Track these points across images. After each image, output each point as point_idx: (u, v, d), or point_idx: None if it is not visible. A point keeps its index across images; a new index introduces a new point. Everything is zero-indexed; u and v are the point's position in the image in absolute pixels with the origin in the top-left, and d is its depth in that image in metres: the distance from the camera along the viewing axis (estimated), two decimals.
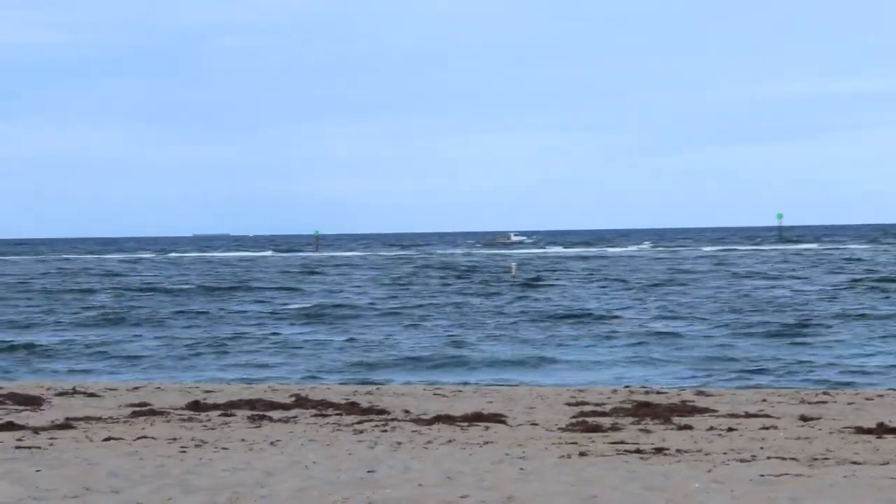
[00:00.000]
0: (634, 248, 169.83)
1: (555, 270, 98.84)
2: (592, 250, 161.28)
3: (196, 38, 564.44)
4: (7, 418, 20.46)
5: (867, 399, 23.89)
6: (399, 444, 17.59)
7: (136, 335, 46.50)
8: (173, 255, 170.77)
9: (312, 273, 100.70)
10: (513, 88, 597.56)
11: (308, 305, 60.70)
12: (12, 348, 41.45)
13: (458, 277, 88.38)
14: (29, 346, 42.14)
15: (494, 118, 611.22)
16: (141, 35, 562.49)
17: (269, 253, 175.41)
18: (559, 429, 19.18)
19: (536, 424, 19.82)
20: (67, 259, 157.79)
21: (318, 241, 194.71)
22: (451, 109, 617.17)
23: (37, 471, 14.06)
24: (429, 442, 17.76)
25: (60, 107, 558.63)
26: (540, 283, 79.35)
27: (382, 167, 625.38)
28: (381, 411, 21.48)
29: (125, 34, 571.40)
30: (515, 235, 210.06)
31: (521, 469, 15.08)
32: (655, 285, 73.56)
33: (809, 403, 22.64)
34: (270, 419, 20.55)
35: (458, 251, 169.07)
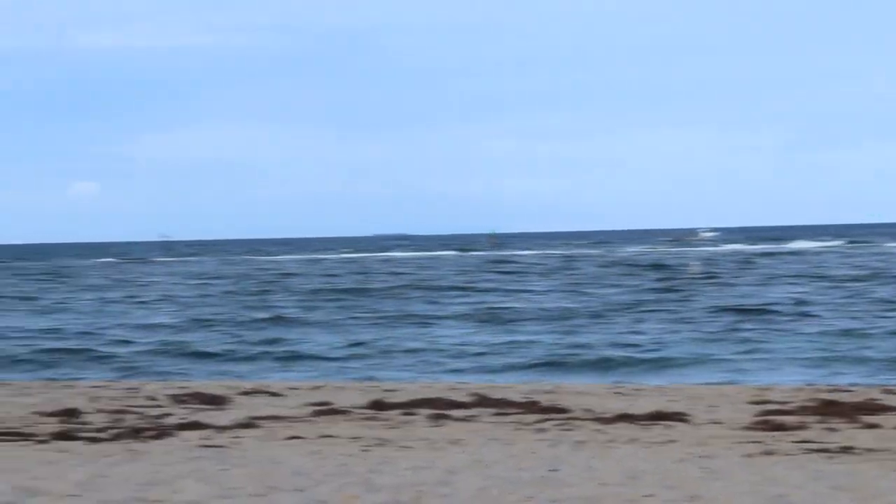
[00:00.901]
0: (818, 244, 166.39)
1: (739, 267, 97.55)
2: (782, 246, 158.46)
3: (361, 39, 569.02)
4: (192, 417, 20.81)
5: None
6: (580, 442, 17.45)
7: (314, 334, 47.02)
8: (353, 255, 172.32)
9: (489, 272, 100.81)
10: (691, 83, 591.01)
11: (484, 305, 60.73)
12: (205, 355, 42.13)
13: (640, 275, 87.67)
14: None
15: (673, 113, 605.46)
16: (310, 37, 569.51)
17: (448, 252, 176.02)
18: (742, 427, 18.86)
19: (719, 423, 19.52)
20: (244, 260, 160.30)
21: (495, 240, 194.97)
22: (627, 105, 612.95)
23: (222, 469, 14.23)
24: (610, 441, 17.59)
25: (233, 109, 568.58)
26: (722, 279, 78.38)
27: (560, 165, 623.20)
28: (562, 410, 21.36)
29: (295, 36, 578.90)
30: (705, 232, 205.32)
31: (705, 468, 14.84)
32: (847, 281, 72.08)
33: None
34: (451, 418, 20.56)
35: (643, 248, 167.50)
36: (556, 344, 41.05)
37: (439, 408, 21.81)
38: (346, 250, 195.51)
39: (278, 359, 39.67)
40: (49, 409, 22.22)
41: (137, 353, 41.44)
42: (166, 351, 42.19)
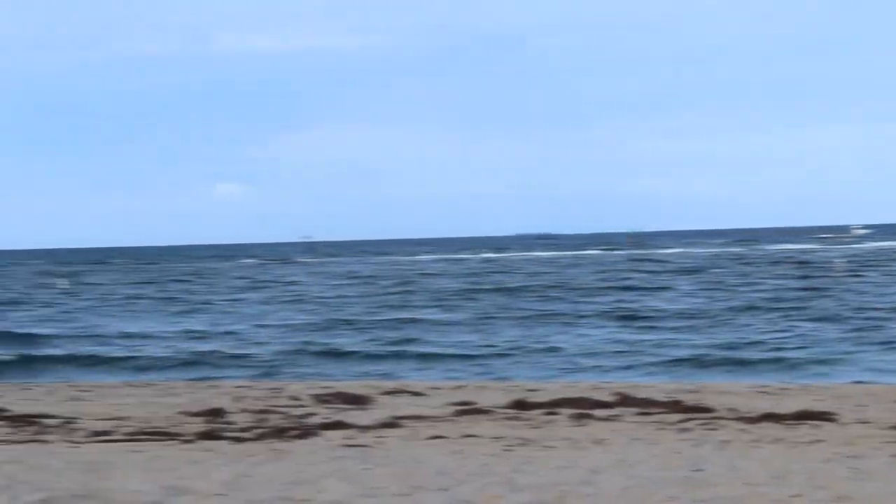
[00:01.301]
0: None
1: (889, 265, 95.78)
2: None
3: (504, 39, 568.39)
4: (335, 417, 20.93)
5: None
6: (725, 442, 17.24)
7: (456, 334, 47.11)
8: (494, 255, 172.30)
9: (631, 271, 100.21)
10: (840, 77, 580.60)
11: (626, 304, 60.40)
12: (345, 354, 42.40)
13: (785, 273, 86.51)
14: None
15: (822, 109, 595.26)
16: (452, 38, 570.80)
17: (590, 252, 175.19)
18: (891, 427, 18.49)
19: (867, 423, 19.16)
20: (383, 260, 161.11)
21: (634, 239, 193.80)
22: (774, 101, 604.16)
23: (365, 469, 14.28)
24: (755, 440, 17.35)
25: (372, 110, 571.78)
26: (869, 277, 77.08)
27: (705, 162, 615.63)
28: (706, 409, 21.13)
29: (436, 37, 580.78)
30: (857, 229, 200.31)
31: (854, 468, 14.56)
32: None
33: None
34: (594, 418, 20.45)
35: (790, 246, 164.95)
36: (698, 343, 40.68)
37: (582, 407, 21.70)
38: (486, 250, 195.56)
39: (419, 358, 39.79)
40: (194, 409, 22.51)
41: (278, 352, 41.83)
42: (307, 351, 42.55)
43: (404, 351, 41.55)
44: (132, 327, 54.05)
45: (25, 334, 50.94)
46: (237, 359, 40.73)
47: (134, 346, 45.77)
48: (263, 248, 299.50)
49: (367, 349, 42.53)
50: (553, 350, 40.42)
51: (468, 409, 21.93)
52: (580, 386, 27.21)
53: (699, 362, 36.00)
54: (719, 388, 25.96)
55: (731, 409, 21.05)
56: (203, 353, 42.54)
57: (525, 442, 17.59)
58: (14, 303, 76.32)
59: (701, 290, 70.88)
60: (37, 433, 19.21)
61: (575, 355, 39.07)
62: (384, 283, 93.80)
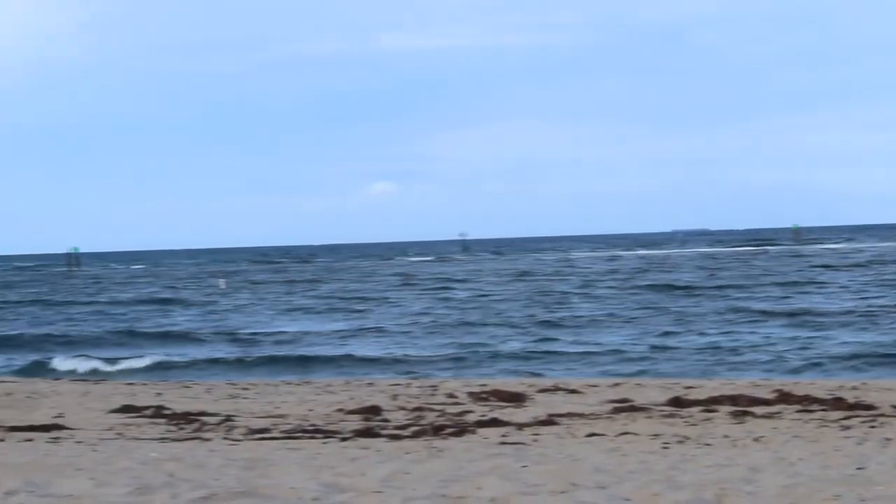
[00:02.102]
0: None
1: None
2: None
3: (670, 33, 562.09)
4: (492, 415, 20.94)
5: None
6: (889, 440, 16.87)
7: (612, 331, 46.91)
8: (651, 251, 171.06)
9: (793, 266, 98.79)
10: None
11: (788, 300, 59.63)
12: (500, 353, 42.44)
13: None
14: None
15: None
16: (616, 33, 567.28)
17: (748, 248, 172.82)
18: None
19: None
20: (538, 258, 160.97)
21: (799, 233, 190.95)
22: None
23: (522, 466, 14.23)
24: None
25: (531, 106, 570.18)
26: None
27: (882, 155, 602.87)
28: (869, 407, 20.72)
29: (598, 33, 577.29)
30: None
31: None
32: None
33: None
34: (753, 415, 20.17)
35: None
36: (865, 341, 39.99)
37: (740, 405, 21.44)
38: (640, 247, 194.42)
39: (573, 355, 39.67)
40: (351, 406, 22.67)
41: (434, 351, 42.00)
42: (461, 348, 42.65)
43: (557, 350, 41.45)
44: (303, 326, 54.72)
45: (247, 335, 51.76)
46: (389, 357, 40.99)
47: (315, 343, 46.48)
48: (420, 245, 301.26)
49: (522, 346, 42.50)
50: (711, 347, 40.05)
51: (625, 407, 21.79)
52: (738, 383, 26.89)
53: (863, 359, 35.37)
54: (884, 386, 25.47)
55: (894, 407, 20.63)
56: (353, 350, 43.00)
57: (683, 439, 17.41)
58: (199, 304, 77.62)
59: (871, 286, 69.63)
60: (196, 431, 19.50)
61: (733, 352, 38.66)
62: (539, 279, 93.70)
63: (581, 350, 40.90)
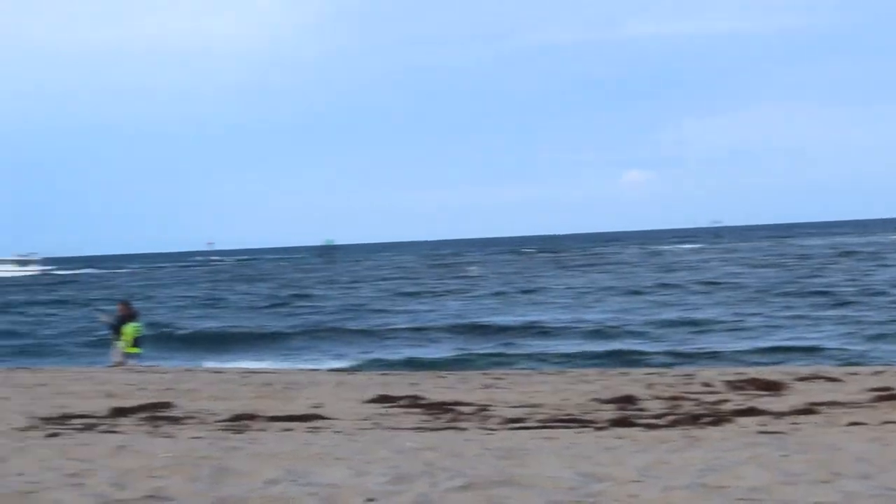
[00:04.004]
0: None
1: None
2: None
3: None
4: (749, 404, 20.60)
5: None
6: None
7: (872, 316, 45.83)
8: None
9: None
10: None
11: None
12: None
13: None
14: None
15: None
16: (878, 12, 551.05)
17: None
18: None
19: None
20: (790, 244, 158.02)
21: None
22: None
23: (782, 455, 13.92)
24: None
25: (785, 91, 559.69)
26: None
27: None
28: None
29: (851, 14, 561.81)
30: None
31: None
32: None
33: None
34: None
35: None
36: None
37: None
38: None
39: (833, 342, 38.86)
40: (606, 395, 22.56)
41: (685, 340, 41.61)
42: (713, 335, 42.17)
43: (816, 339, 40.65)
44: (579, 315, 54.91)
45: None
46: (646, 350, 40.74)
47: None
48: (670, 234, 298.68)
49: (781, 334, 41.79)
50: None
51: (887, 395, 21.18)
52: None
53: None
54: None
55: None
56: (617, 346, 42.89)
57: None
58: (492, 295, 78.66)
59: None
60: (452, 420, 19.62)
61: None
62: (793, 269, 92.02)
63: (845, 334, 39.99)
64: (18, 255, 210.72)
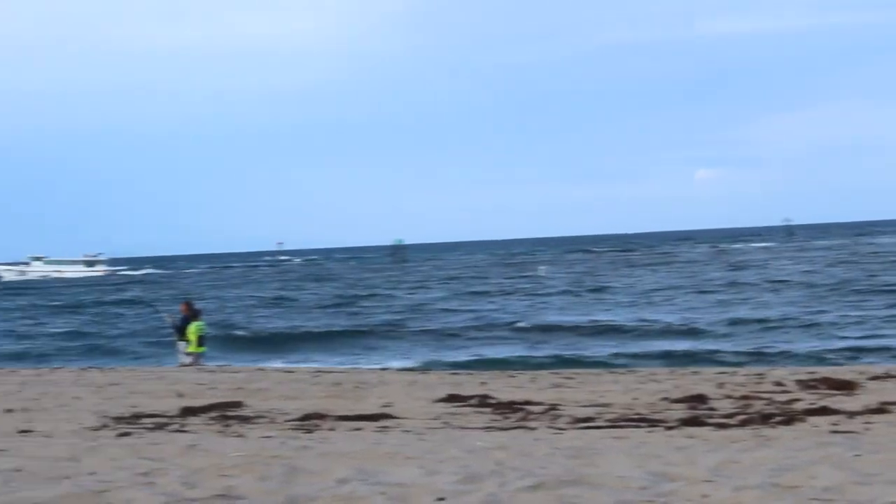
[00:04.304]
0: None
1: None
2: None
3: None
4: (821, 403, 20.41)
5: None
6: None
7: None
8: None
9: None
10: None
11: None
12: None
13: None
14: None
15: None
16: None
17: None
18: None
19: None
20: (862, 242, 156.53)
21: None
22: None
23: (855, 455, 13.77)
24: None
25: (861, 88, 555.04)
26: None
27: None
28: None
29: None
30: None
31: None
32: None
33: None
34: None
35: None
36: None
37: None
38: None
39: None
40: (676, 395, 22.43)
41: (755, 338, 41.32)
42: (786, 333, 41.86)
43: (889, 337, 40.26)
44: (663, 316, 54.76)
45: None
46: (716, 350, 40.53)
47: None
48: (742, 232, 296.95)
49: (853, 333, 41.43)
50: None
51: None
52: None
53: None
54: None
55: None
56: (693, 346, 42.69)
57: None
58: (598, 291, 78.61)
59: None
60: (521, 420, 19.57)
61: None
62: (871, 267, 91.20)
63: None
64: (86, 256, 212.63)
